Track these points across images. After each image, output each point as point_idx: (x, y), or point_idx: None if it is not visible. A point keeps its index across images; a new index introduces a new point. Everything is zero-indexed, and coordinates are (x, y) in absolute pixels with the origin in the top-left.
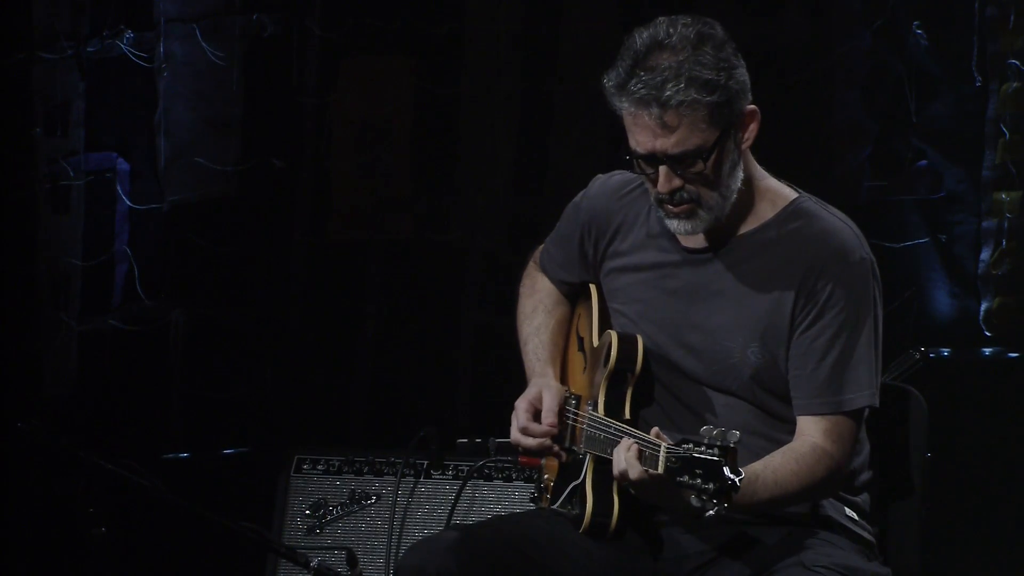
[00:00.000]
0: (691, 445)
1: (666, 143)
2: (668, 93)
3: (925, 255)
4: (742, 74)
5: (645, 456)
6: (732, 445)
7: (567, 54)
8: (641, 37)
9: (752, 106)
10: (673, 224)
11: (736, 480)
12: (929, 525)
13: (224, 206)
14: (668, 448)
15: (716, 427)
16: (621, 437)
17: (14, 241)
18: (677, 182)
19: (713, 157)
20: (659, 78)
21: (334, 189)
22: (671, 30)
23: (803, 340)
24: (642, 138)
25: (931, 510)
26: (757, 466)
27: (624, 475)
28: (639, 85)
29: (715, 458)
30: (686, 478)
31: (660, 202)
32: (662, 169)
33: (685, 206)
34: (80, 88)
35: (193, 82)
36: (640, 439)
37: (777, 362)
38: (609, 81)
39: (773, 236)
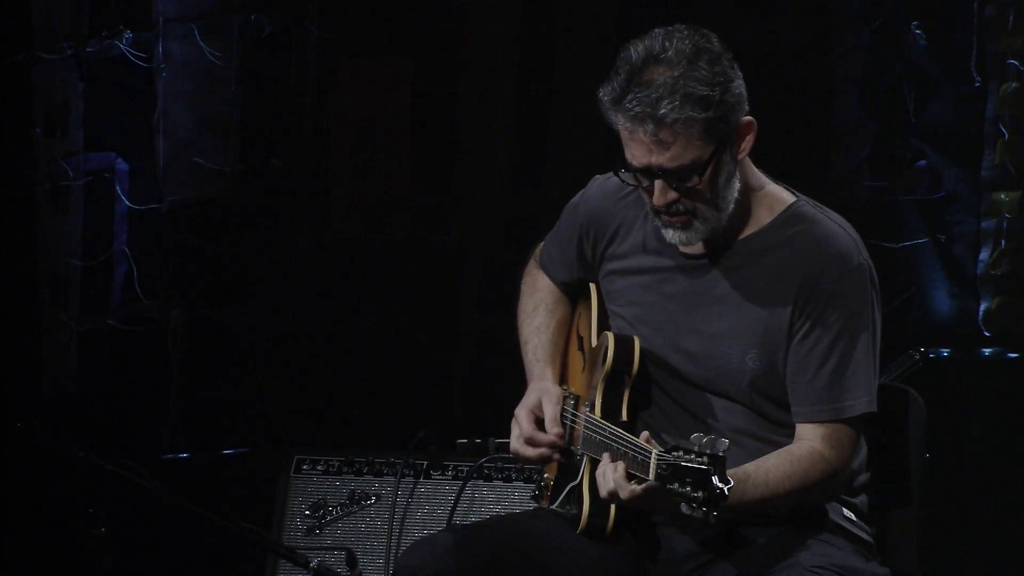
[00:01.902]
0: (680, 453)
1: (661, 158)
2: (663, 111)
3: (924, 255)
4: (738, 86)
5: (636, 463)
6: (721, 454)
7: (565, 55)
8: (636, 50)
9: (748, 117)
10: (669, 234)
11: (725, 489)
12: (928, 526)
13: (223, 206)
14: (659, 455)
15: (706, 433)
16: (615, 441)
17: (14, 241)
18: (672, 195)
19: (708, 171)
20: (654, 95)
21: (332, 189)
22: (667, 43)
23: (801, 347)
24: (637, 152)
25: (930, 511)
26: (750, 466)
27: (614, 495)
28: (634, 102)
29: (703, 467)
30: (676, 486)
31: (656, 213)
32: (657, 183)
33: (681, 217)
34: (79, 88)
35: (192, 82)
36: (631, 445)
37: (776, 368)
38: (605, 95)
39: (771, 242)
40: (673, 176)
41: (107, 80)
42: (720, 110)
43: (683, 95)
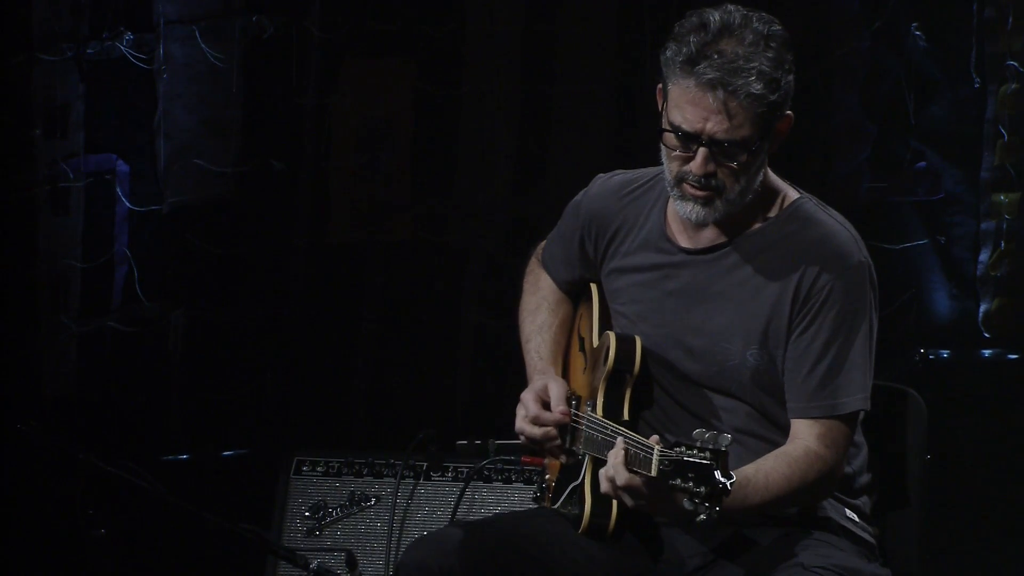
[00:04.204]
0: (683, 448)
1: (717, 128)
2: (740, 82)
3: (924, 257)
4: (793, 79)
5: (639, 459)
6: (723, 448)
7: (566, 55)
8: (713, 19)
9: (790, 112)
10: (686, 208)
11: (727, 484)
12: (929, 526)
13: (224, 208)
14: (661, 451)
15: (709, 430)
16: (618, 439)
17: (14, 243)
18: (711, 167)
19: (754, 152)
20: (732, 65)
21: (333, 191)
22: (743, 21)
23: (799, 343)
24: (692, 117)
25: (931, 511)
26: (749, 470)
27: (613, 482)
28: (709, 68)
29: (706, 461)
30: (678, 481)
31: (681, 181)
32: (701, 151)
33: (707, 192)
34: (80, 90)
35: (193, 84)
36: (634, 442)
37: (776, 364)
38: (676, 55)
39: (773, 238)
40: (720, 148)
41: (108, 82)
42: (781, 96)
43: (759, 72)
